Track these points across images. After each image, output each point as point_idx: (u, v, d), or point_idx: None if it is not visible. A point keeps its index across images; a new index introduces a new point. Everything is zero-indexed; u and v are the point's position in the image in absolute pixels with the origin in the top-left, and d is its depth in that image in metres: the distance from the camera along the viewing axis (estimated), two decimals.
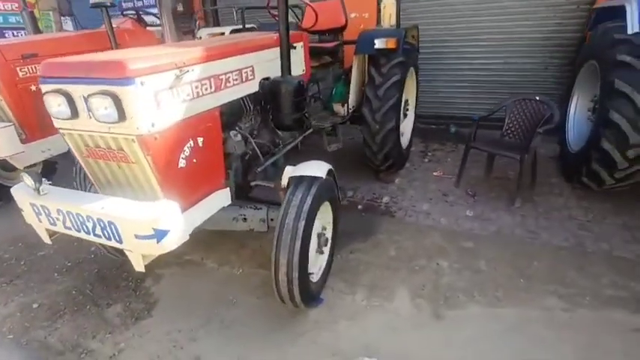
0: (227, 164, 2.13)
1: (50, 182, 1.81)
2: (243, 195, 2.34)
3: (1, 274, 2.63)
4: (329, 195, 2.18)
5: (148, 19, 4.54)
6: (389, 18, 3.29)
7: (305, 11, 3.79)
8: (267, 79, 2.29)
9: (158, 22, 4.91)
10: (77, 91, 1.54)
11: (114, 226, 1.48)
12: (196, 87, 1.76)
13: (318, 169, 2.05)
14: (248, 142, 2.26)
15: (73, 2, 7.90)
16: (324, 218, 2.27)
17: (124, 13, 4.34)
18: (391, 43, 3.03)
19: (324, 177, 2.00)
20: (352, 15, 5.30)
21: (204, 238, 2.92)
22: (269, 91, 2.22)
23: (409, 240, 2.77)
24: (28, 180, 1.64)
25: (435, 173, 3.84)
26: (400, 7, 3.21)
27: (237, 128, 2.19)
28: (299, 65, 2.73)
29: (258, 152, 2.24)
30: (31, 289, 2.48)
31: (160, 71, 1.57)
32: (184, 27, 4.86)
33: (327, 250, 2.29)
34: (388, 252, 2.66)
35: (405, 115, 3.87)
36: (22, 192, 1.73)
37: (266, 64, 2.30)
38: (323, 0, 3.75)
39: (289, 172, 2.04)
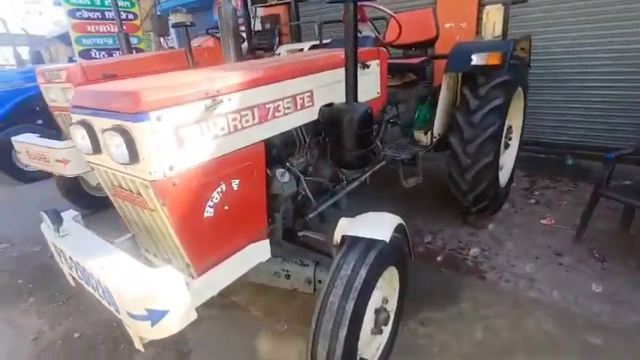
0: (271, 208, 1.78)
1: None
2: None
3: (60, 291, 2.65)
4: (394, 260, 1.67)
5: None
6: (493, 27, 2.65)
7: (390, 22, 3.33)
8: (330, 104, 1.89)
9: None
10: (97, 123, 1.32)
11: (109, 294, 1.20)
12: (234, 119, 1.44)
13: (381, 226, 1.56)
14: (300, 182, 1.88)
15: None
16: (387, 287, 1.77)
17: (209, 31, 4.40)
18: (494, 59, 2.40)
19: (387, 240, 1.50)
20: (447, 25, 4.69)
21: None
22: (329, 120, 1.82)
23: (503, 318, 2.08)
24: (46, 219, 1.48)
25: (543, 221, 3.00)
26: (509, 14, 2.54)
27: (288, 164, 1.82)
28: (373, 87, 2.29)
29: (310, 195, 1.84)
30: (77, 315, 2.43)
31: (185, 102, 1.27)
32: (265, 44, 4.78)
33: (387, 328, 1.77)
34: (473, 332, 2.01)
35: (507, 146, 3.13)
36: (47, 229, 1.58)
37: (329, 87, 1.90)
38: (411, 9, 3.26)
39: (343, 227, 1.59)
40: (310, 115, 1.83)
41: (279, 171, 1.70)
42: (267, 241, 1.68)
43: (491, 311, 2.14)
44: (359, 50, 2.17)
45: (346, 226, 1.58)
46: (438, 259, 2.67)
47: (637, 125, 3.76)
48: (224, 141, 1.42)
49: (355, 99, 1.75)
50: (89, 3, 4.84)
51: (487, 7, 2.73)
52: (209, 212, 1.42)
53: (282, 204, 1.83)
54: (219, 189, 1.44)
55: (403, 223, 1.76)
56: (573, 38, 3.92)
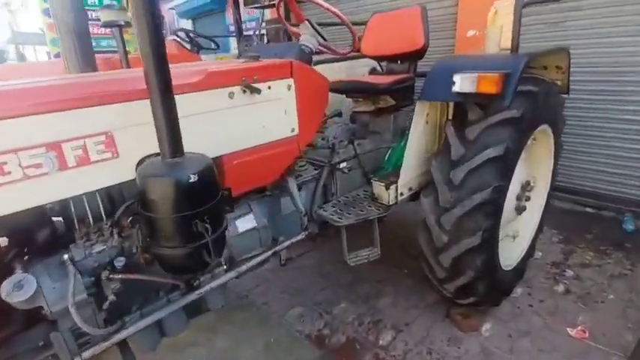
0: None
1: None
2: None
3: None
4: None
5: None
6: (499, 34, 1.71)
7: (366, 28, 2.46)
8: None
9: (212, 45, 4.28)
10: None
11: None
12: None
13: None
14: (103, 284, 1.11)
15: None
16: None
17: (177, 34, 3.80)
18: (488, 84, 1.47)
19: None
20: (469, 33, 3.69)
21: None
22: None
23: None
24: None
25: (571, 330, 1.96)
26: (521, 17, 1.58)
27: (67, 256, 1.06)
28: (281, 121, 1.47)
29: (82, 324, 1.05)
30: None
31: None
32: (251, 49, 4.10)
33: None
34: None
35: (522, 210, 2.12)
36: None
37: None
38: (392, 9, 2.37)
39: None
40: (111, 174, 1.06)
41: (10, 279, 0.94)
42: None
43: None
44: (246, 65, 1.38)
45: None
46: None
47: None
48: None
49: (176, 150, 0.96)
50: None
51: (496, 4, 1.80)
52: None
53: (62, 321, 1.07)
54: None
55: None
56: (632, 53, 2.78)
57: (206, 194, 0.99)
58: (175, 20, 9.10)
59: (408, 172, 1.89)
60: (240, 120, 1.31)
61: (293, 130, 1.50)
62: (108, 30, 5.17)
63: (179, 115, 1.15)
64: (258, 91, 1.31)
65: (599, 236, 2.82)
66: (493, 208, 1.62)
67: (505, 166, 1.62)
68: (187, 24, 8.27)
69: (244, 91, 1.29)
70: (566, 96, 2.17)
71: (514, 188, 1.94)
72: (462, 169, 1.60)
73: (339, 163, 1.95)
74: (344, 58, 2.63)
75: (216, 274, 1.42)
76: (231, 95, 1.26)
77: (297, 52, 1.63)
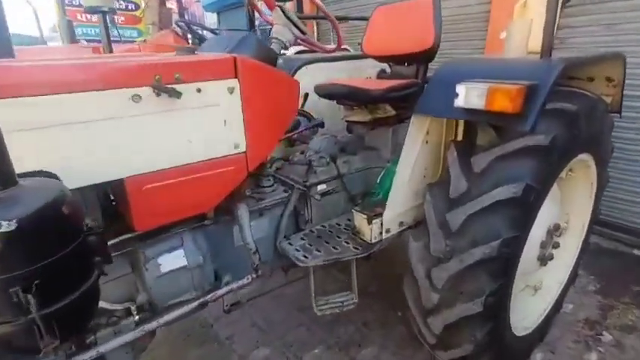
0: None
1: None
2: None
3: None
4: None
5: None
6: (527, 32, 1.29)
7: (369, 24, 2.06)
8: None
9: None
10: None
11: None
12: None
13: None
14: None
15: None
16: None
17: (177, 23, 3.56)
18: (501, 99, 1.06)
19: None
20: (503, 35, 3.19)
21: None
22: None
23: None
24: None
25: None
26: (558, 10, 1.15)
27: None
28: (220, 135, 1.12)
29: None
30: None
31: None
32: None
33: None
34: None
35: (549, 260, 1.66)
36: None
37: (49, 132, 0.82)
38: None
39: None
40: None
41: None
42: None
43: None
44: (166, 60, 1.04)
45: None
46: None
47: None
48: None
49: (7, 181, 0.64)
50: None
51: None
52: None
53: None
54: None
55: None
56: None
57: (39, 247, 0.67)
58: (204, 14, 9.02)
59: (399, 203, 1.49)
60: (152, 132, 0.98)
61: (237, 147, 1.15)
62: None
63: (54, 121, 0.85)
64: (178, 94, 0.97)
65: None
66: (502, 267, 1.20)
67: (523, 211, 1.19)
68: (213, 17, 8.15)
69: (157, 94, 0.96)
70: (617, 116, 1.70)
71: (538, 234, 1.49)
72: (462, 211, 1.19)
73: (315, 184, 1.59)
74: (346, 57, 2.28)
75: (123, 328, 1.10)
76: (135, 98, 0.94)
77: (254, 45, 1.27)
